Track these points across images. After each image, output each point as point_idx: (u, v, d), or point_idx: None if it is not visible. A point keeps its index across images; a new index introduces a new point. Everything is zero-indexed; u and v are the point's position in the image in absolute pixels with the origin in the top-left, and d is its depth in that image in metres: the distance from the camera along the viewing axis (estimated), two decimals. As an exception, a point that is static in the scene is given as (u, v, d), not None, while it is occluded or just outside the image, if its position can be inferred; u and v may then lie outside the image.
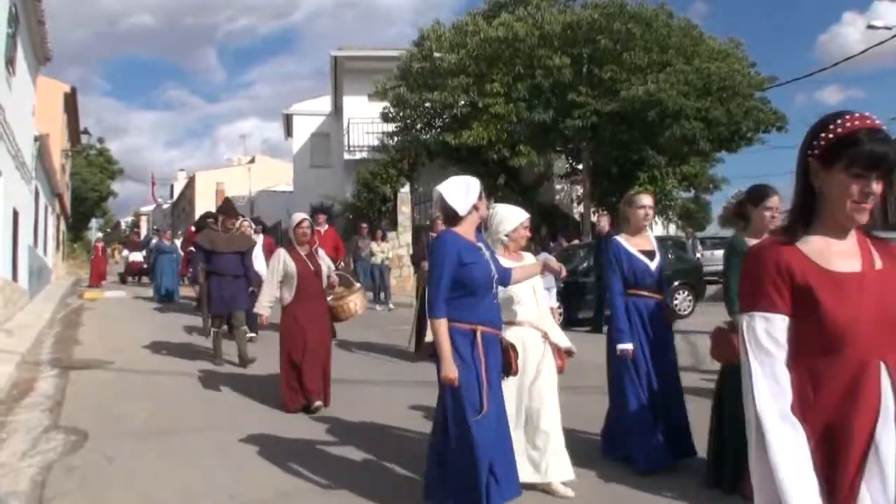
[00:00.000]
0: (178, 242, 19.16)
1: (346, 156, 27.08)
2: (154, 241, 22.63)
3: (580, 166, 22.27)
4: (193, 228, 15.27)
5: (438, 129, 21.66)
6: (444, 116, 21.36)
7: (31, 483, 4.86)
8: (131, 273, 25.42)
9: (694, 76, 18.44)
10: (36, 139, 18.49)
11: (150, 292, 18.77)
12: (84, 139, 30.12)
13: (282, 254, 7.13)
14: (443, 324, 3.86)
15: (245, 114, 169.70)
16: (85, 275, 27.49)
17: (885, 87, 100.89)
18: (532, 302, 4.77)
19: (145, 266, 23.65)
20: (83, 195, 41.74)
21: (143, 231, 55.59)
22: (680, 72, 18.45)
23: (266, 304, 7.19)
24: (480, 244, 4.11)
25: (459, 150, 20.50)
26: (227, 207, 10.01)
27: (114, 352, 10.18)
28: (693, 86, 18.29)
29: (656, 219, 26.75)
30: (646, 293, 5.14)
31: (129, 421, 6.50)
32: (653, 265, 5.17)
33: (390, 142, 23.08)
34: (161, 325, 13.38)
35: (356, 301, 7.57)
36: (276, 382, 8.02)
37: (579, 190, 24.38)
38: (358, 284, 8.12)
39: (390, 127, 22.91)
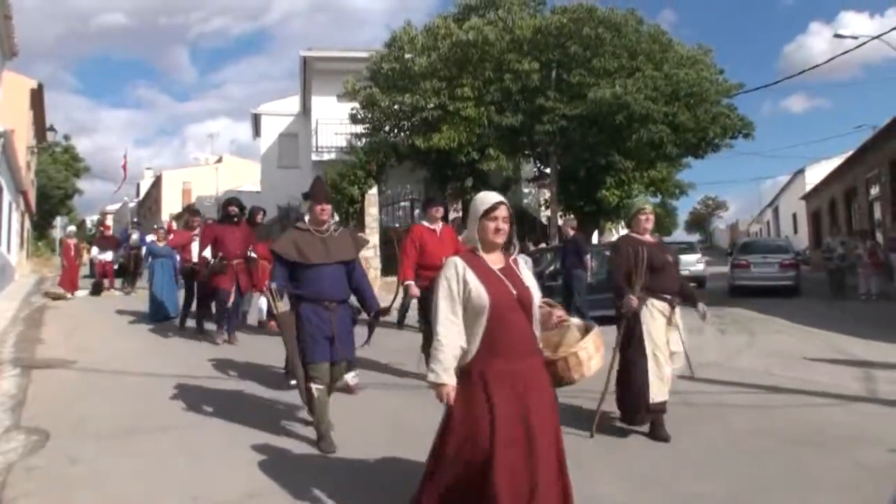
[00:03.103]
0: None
1: (314, 157, 27.03)
2: (135, 235, 21.34)
3: (548, 170, 22.40)
4: (199, 220, 13.69)
5: (407, 132, 21.64)
6: (414, 119, 21.37)
7: (-8, 483, 4.82)
8: (99, 277, 20.24)
9: (662, 82, 18.59)
10: (0, 135, 18.27)
11: (126, 302, 16.74)
12: (50, 136, 29.83)
13: (459, 266, 3.66)
14: None
15: (216, 114, 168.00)
16: (49, 273, 26.95)
17: (851, 95, 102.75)
18: None
19: (119, 266, 20.80)
20: (48, 193, 41.22)
21: (111, 229, 54.51)
22: (649, 77, 18.60)
23: (451, 365, 3.53)
24: None
25: (428, 153, 20.52)
26: (318, 189, 6.17)
27: (77, 351, 10.09)
28: (661, 91, 18.44)
29: (621, 224, 27.08)
30: None
31: (92, 421, 6.44)
32: None
33: (358, 143, 23.04)
34: (125, 325, 13.27)
35: (589, 349, 4.27)
36: (248, 381, 7.99)
37: (546, 194, 24.55)
38: (577, 320, 4.57)
39: (359, 128, 22.86)
